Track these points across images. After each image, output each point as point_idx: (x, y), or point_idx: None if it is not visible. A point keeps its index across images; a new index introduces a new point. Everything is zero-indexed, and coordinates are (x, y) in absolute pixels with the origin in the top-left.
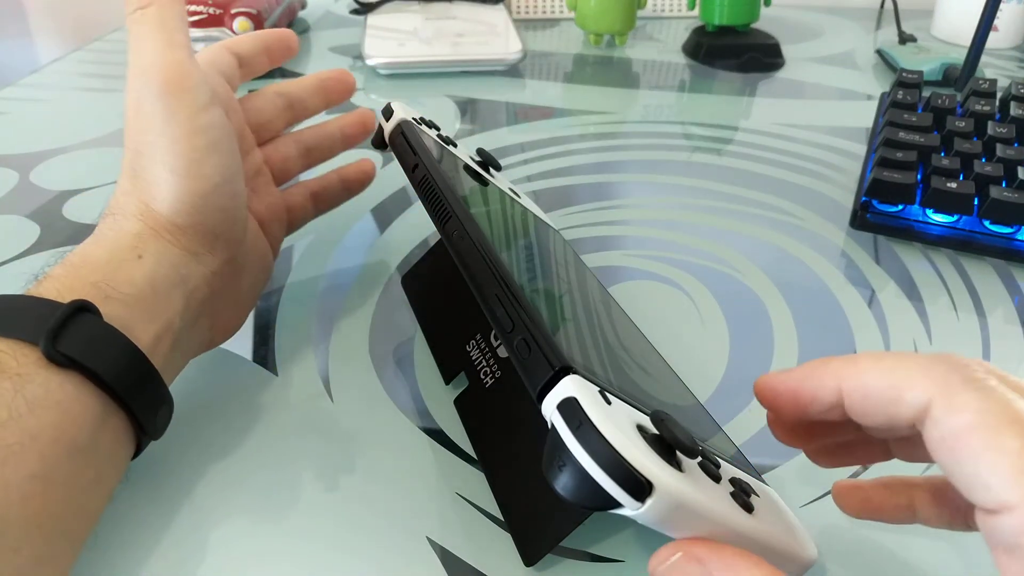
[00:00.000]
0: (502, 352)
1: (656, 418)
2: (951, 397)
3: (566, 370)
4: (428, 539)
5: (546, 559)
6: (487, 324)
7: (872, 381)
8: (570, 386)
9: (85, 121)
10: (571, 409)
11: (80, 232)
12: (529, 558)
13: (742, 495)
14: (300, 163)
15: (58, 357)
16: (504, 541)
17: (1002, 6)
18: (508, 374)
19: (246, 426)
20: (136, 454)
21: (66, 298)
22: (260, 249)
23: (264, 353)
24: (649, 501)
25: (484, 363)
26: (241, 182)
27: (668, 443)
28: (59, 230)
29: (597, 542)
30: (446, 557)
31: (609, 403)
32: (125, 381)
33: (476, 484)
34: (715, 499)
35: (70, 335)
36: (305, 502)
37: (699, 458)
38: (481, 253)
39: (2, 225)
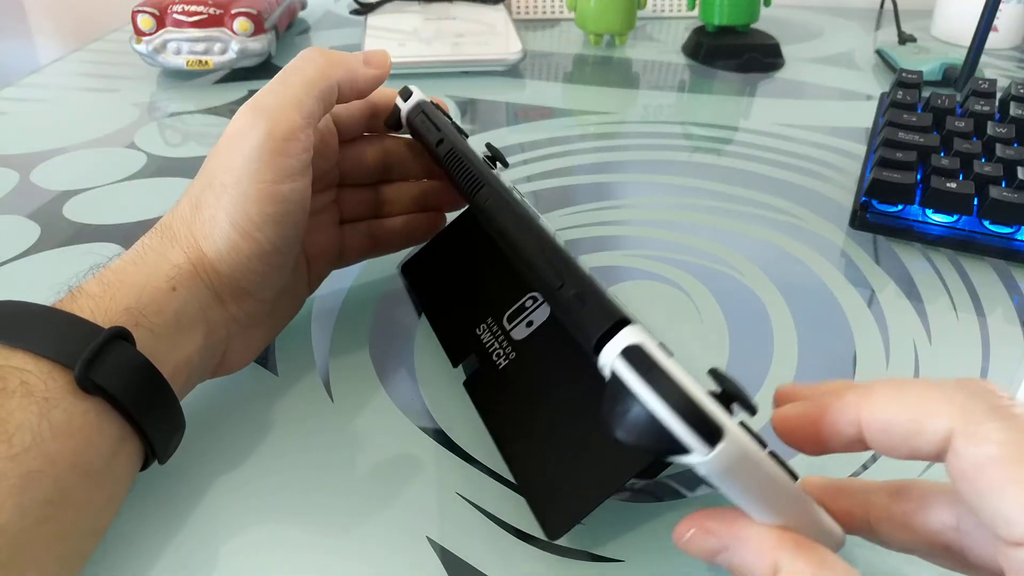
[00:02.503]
0: (516, 334)
1: (715, 373)
2: (973, 427)
3: (624, 322)
4: (428, 539)
5: (546, 559)
6: (498, 308)
7: (892, 414)
8: (633, 334)
9: (85, 121)
10: (638, 355)
11: (80, 232)
12: (553, 531)
13: (783, 463)
14: (370, 212)
15: (89, 385)
16: (504, 541)
17: (1002, 6)
18: (524, 355)
19: (246, 426)
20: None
21: (99, 320)
22: (294, 291)
23: (264, 353)
24: (720, 446)
25: (497, 346)
26: (291, 254)
27: (727, 399)
28: (59, 230)
29: (597, 542)
30: (446, 557)
31: (670, 355)
32: (148, 412)
33: (476, 484)
34: (768, 459)
35: (104, 363)
36: (305, 502)
37: (741, 421)
38: (520, 216)
39: (2, 225)
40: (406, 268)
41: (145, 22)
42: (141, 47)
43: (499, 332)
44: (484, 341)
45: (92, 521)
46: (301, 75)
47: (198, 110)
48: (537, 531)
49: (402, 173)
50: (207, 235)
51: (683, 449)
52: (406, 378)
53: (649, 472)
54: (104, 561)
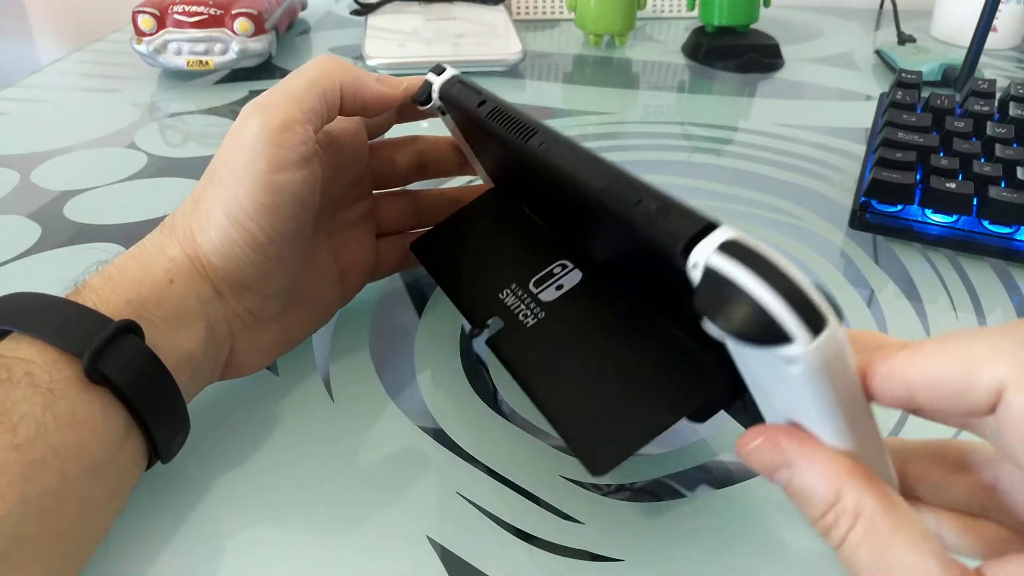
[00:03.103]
0: (545, 297)
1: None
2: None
3: (714, 225)
4: (428, 538)
5: (546, 558)
6: (523, 275)
7: (940, 372)
8: (728, 231)
9: (86, 122)
10: (738, 247)
11: (81, 232)
12: (600, 467)
13: None
14: (411, 222)
15: (96, 376)
16: (505, 540)
17: (1001, 6)
18: (556, 313)
19: (246, 426)
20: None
21: (102, 312)
22: (320, 298)
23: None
24: (823, 335)
25: (523, 307)
26: (291, 249)
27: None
28: (60, 230)
29: (597, 542)
30: (446, 556)
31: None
32: (153, 407)
33: (476, 483)
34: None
35: (112, 355)
36: (305, 501)
37: None
38: (581, 148)
39: (3, 225)
40: (417, 246)
41: (146, 22)
42: (142, 47)
43: (525, 296)
44: (508, 304)
45: (94, 517)
46: (305, 75)
47: (199, 110)
48: (537, 531)
49: (438, 170)
50: (202, 227)
51: (785, 337)
52: (406, 378)
53: (700, 415)
54: (105, 560)
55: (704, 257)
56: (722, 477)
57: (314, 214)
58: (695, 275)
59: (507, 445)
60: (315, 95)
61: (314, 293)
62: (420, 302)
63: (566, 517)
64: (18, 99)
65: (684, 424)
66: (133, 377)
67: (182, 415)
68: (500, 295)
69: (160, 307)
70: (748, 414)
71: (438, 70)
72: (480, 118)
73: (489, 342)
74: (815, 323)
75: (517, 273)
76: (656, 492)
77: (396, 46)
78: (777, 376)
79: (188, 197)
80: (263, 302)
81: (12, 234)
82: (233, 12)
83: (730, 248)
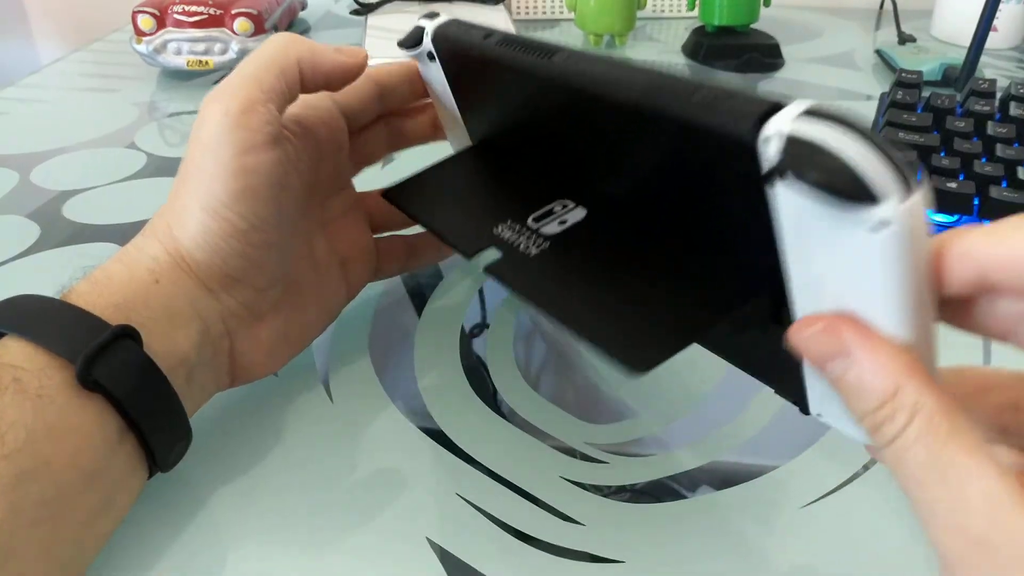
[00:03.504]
0: (548, 230)
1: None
2: None
3: (781, 105)
4: (428, 539)
5: (546, 560)
6: (520, 213)
7: (1018, 247)
8: (801, 104)
9: (85, 121)
10: (821, 113)
11: (80, 232)
12: (642, 363)
13: None
14: (399, 218)
15: (89, 382)
16: (504, 541)
17: (1001, 6)
18: (562, 243)
19: (245, 426)
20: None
21: None
22: (328, 292)
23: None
24: (914, 196)
25: (523, 240)
26: (276, 234)
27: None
28: (59, 230)
29: (597, 543)
30: (446, 557)
31: None
32: (148, 413)
33: (476, 485)
34: None
35: (107, 361)
36: (304, 502)
37: None
38: (613, 59)
39: (2, 225)
40: (392, 192)
41: (145, 22)
42: (141, 47)
43: (524, 229)
44: (505, 237)
45: (89, 527)
46: (260, 56)
47: (198, 110)
48: (537, 533)
49: (413, 137)
50: (180, 223)
51: (874, 197)
52: (406, 378)
53: (739, 323)
54: (105, 564)
55: (784, 126)
56: (722, 478)
57: (296, 198)
58: (770, 148)
59: (507, 446)
60: (273, 74)
61: (317, 285)
62: (420, 303)
63: (566, 518)
64: (18, 99)
65: (684, 424)
66: (128, 383)
67: (180, 422)
68: (495, 229)
69: (148, 308)
70: (773, 344)
71: (431, 15)
72: (487, 52)
73: (488, 269)
74: (907, 183)
75: (512, 210)
76: (656, 493)
77: (396, 46)
78: (843, 256)
79: (169, 196)
80: (257, 295)
81: (11, 234)
82: (233, 12)
83: (814, 114)
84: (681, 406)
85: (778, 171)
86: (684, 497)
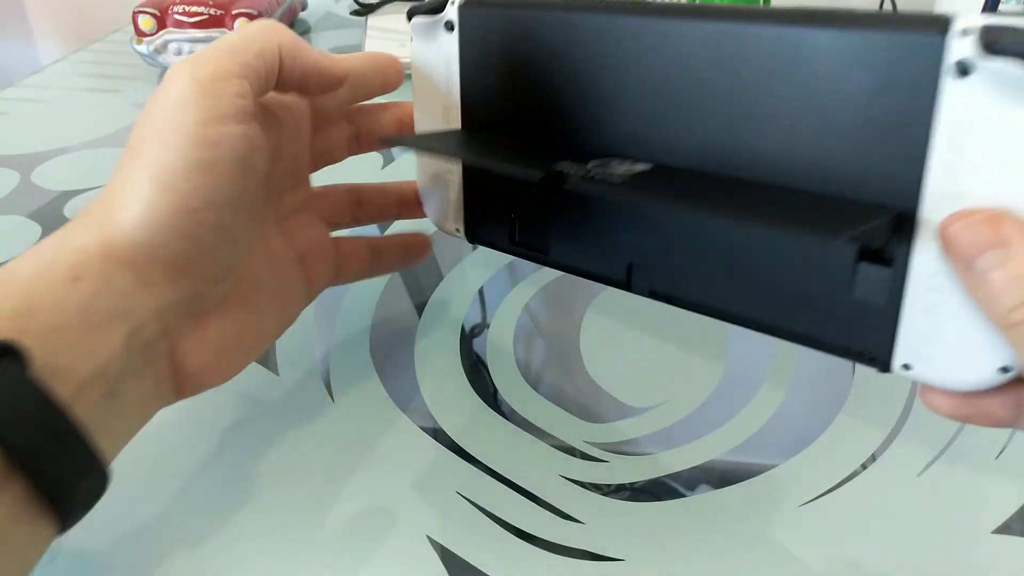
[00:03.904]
0: (620, 172)
1: None
2: None
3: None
4: (428, 538)
5: (546, 558)
6: (573, 155)
7: None
8: (969, 13)
9: (86, 122)
10: (992, 15)
11: None
12: (845, 231)
13: None
14: (348, 215)
15: None
16: (504, 540)
17: (1001, 7)
18: (647, 182)
19: (246, 425)
20: (64, 528)
21: None
22: (284, 289)
23: (265, 352)
24: None
25: (598, 174)
26: (232, 217)
27: None
28: None
29: (597, 541)
30: (446, 556)
31: None
32: (34, 449)
33: (476, 483)
34: None
35: None
36: (305, 501)
37: None
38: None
39: (3, 225)
40: (393, 141)
41: (146, 23)
42: (142, 48)
43: (591, 171)
44: (572, 172)
45: None
46: (239, 32)
47: None
48: (537, 531)
49: (365, 127)
50: (122, 202)
51: None
52: (406, 377)
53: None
54: (105, 564)
55: (974, 21)
56: (721, 477)
57: (258, 182)
58: (965, 41)
59: (507, 445)
60: (252, 52)
61: (273, 283)
62: (420, 302)
63: (566, 517)
64: (18, 99)
65: (683, 423)
66: (6, 415)
67: (84, 456)
68: (554, 166)
69: (59, 312)
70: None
71: None
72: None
73: (574, 187)
74: None
75: (566, 152)
76: (656, 492)
77: (396, 46)
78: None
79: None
80: (204, 286)
81: (12, 234)
82: (233, 12)
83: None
84: (680, 405)
85: (980, 51)
86: (683, 496)
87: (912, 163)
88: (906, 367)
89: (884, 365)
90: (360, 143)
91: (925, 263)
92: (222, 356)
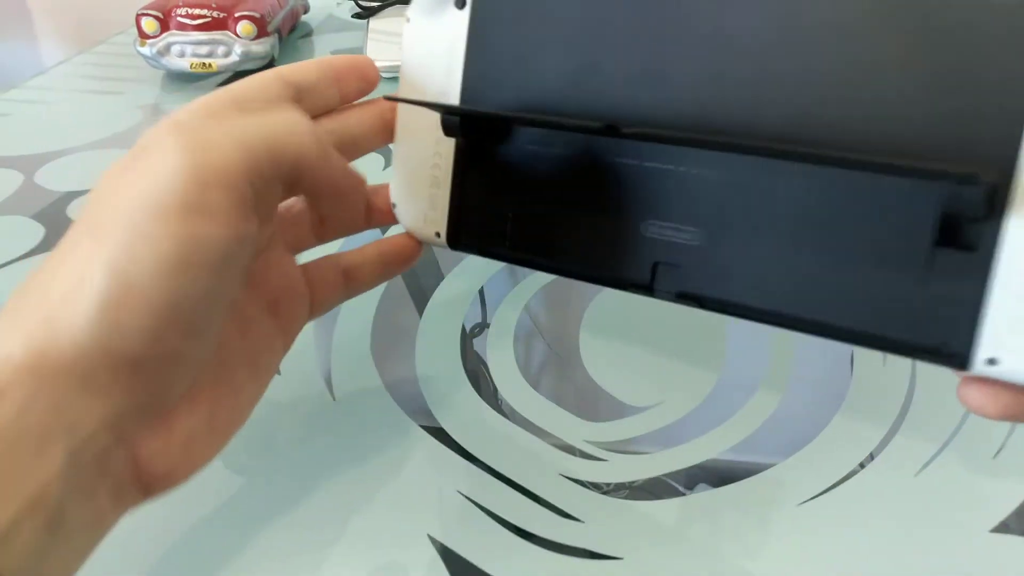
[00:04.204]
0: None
1: None
2: None
3: None
4: (429, 536)
5: (546, 556)
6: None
7: None
8: None
9: (89, 123)
10: None
11: None
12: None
13: None
14: (311, 235)
15: None
16: (505, 538)
17: None
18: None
19: (246, 423)
20: None
21: None
22: (259, 351)
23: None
24: None
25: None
26: (207, 316)
27: None
28: (63, 230)
29: (596, 539)
30: (447, 555)
31: None
32: None
33: (477, 482)
34: None
35: None
36: (305, 499)
37: None
38: None
39: (7, 226)
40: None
41: (149, 25)
42: (145, 50)
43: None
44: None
45: None
46: (257, 117)
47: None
48: (537, 530)
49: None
50: (65, 296)
51: None
52: (407, 376)
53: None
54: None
55: None
56: (720, 476)
57: (243, 273)
58: None
59: (507, 444)
60: (265, 149)
61: (247, 346)
62: (421, 302)
63: (565, 515)
64: (22, 100)
65: (682, 422)
66: None
67: None
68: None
69: None
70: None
71: None
72: None
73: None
74: None
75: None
76: (655, 491)
77: (398, 49)
78: None
79: (40, 267)
80: (166, 386)
81: (16, 234)
82: (236, 15)
83: None
84: (679, 404)
85: None
86: (682, 494)
87: (1011, 123)
88: (991, 362)
89: (962, 361)
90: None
91: (1019, 239)
92: (193, 449)
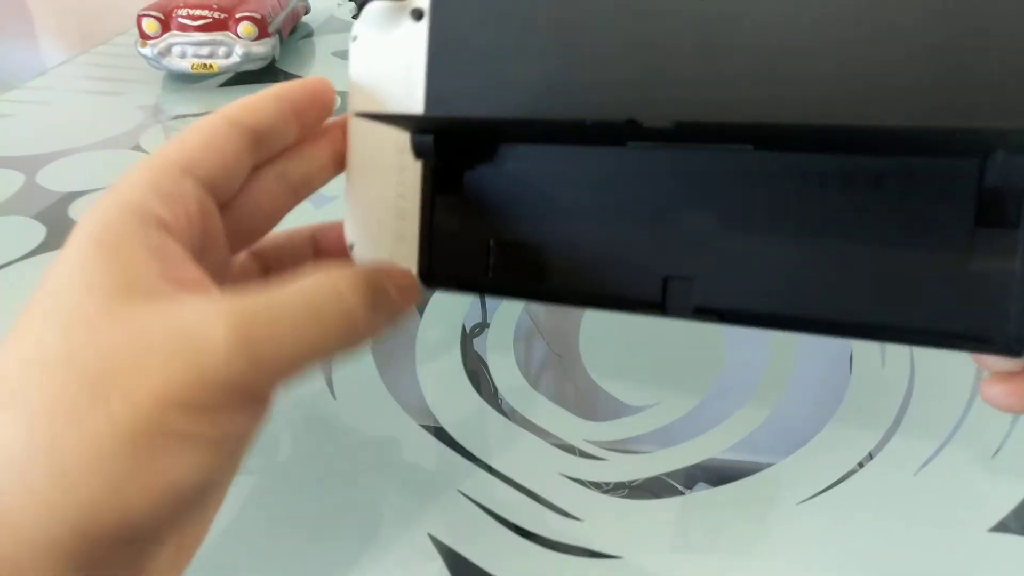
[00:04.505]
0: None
1: None
2: None
3: None
4: (430, 536)
5: (546, 555)
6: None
7: None
8: None
9: (91, 124)
10: None
11: None
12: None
13: None
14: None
15: None
16: (505, 537)
17: None
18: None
19: None
20: None
21: None
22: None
23: None
24: None
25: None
26: (202, 511)
27: None
28: (65, 231)
29: (596, 539)
30: (447, 554)
31: None
32: None
33: (478, 481)
34: None
35: None
36: (306, 499)
37: None
38: None
39: (9, 226)
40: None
41: (150, 26)
42: (146, 50)
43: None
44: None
45: None
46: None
47: (202, 113)
48: (537, 529)
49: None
50: (5, 488)
51: None
52: (408, 377)
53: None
54: None
55: None
56: (719, 475)
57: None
58: None
59: (507, 443)
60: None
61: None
62: (421, 302)
63: (565, 514)
64: (23, 101)
65: (682, 421)
66: None
67: None
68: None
69: None
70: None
71: None
72: None
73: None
74: None
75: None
76: (654, 490)
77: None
78: None
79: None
80: (145, 553)
81: (18, 234)
82: (237, 16)
83: None
84: (679, 404)
85: None
86: (681, 493)
87: None
88: None
89: (1018, 347)
90: (294, 196)
91: None
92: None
